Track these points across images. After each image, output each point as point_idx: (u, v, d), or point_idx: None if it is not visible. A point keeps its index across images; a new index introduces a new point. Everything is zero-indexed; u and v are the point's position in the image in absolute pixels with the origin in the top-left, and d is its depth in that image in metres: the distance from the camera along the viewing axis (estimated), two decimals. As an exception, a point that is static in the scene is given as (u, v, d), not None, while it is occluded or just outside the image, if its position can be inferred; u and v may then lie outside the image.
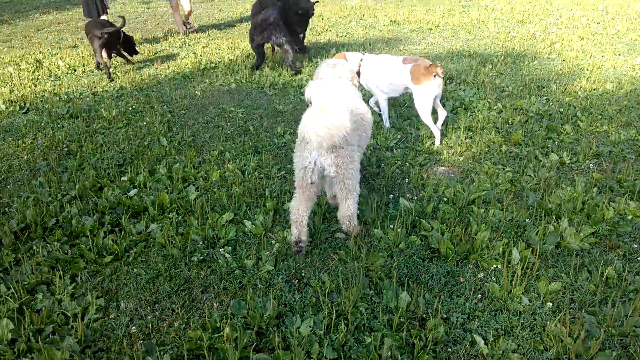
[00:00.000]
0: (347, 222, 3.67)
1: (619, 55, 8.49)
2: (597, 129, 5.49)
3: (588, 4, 13.14)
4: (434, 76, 4.97)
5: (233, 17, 13.32)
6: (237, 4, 15.34)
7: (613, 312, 2.92)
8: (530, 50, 8.92)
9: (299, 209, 3.55)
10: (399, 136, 5.47)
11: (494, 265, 3.34)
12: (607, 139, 5.27)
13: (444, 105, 6.09)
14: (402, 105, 6.37)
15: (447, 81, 7.21)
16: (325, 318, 2.94)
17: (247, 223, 3.90)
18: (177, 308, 3.10)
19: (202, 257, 3.54)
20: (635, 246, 3.55)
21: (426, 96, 5.06)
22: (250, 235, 3.81)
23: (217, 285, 3.28)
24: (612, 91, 6.64)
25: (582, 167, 4.73)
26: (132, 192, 4.38)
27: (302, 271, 3.40)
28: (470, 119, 5.82)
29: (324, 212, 4.05)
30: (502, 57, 8.41)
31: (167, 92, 7.28)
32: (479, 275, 3.28)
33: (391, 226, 3.83)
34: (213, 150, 5.25)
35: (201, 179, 4.66)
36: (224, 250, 3.59)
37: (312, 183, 3.47)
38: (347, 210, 3.62)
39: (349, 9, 13.59)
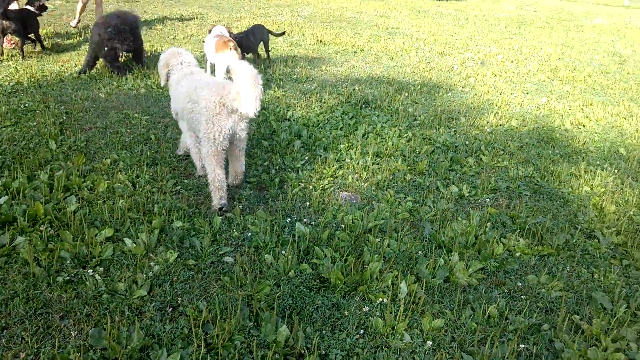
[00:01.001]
0: (241, 177, 4.50)
1: (527, 93, 8.90)
2: (499, 164, 5.64)
3: (505, 43, 13.81)
4: (230, 49, 6.88)
5: (156, 18, 12.85)
6: (163, 7, 14.85)
7: (490, 353, 2.89)
8: (446, 82, 9.17)
9: (219, 175, 4.13)
10: (306, 157, 5.35)
11: (380, 299, 3.25)
12: (507, 174, 5.42)
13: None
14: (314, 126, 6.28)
15: (362, 105, 7.22)
16: (195, 352, 2.71)
17: (128, 241, 3.60)
18: (28, 336, 2.75)
19: (68, 278, 3.20)
20: (520, 284, 3.59)
21: (222, 63, 6.96)
22: (128, 255, 3.51)
23: (80, 311, 2.96)
24: (516, 128, 6.90)
25: (480, 201, 4.80)
26: (2, 200, 3.95)
27: (179, 298, 3.15)
28: (379, 144, 5.81)
29: (215, 233, 3.83)
30: (419, 87, 8.58)
31: (67, 92, 6.78)
32: (364, 309, 3.17)
33: (283, 252, 3.66)
34: (106, 158, 4.88)
35: (86, 189, 4.30)
36: (94, 271, 3.27)
37: (224, 149, 4.14)
38: (242, 166, 4.48)
39: (279, 24, 13.50)
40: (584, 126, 7.27)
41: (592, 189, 5.21)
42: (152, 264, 3.41)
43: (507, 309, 3.31)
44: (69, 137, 5.27)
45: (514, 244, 4.05)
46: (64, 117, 5.81)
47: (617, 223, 4.55)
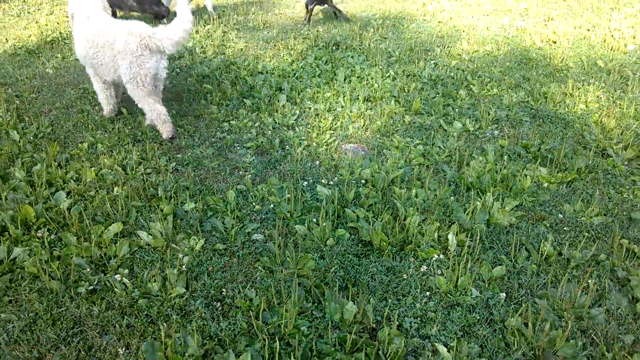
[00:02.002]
0: (164, 119, 4.36)
1: (487, 15, 8.73)
2: (489, 93, 5.49)
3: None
4: None
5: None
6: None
7: (562, 294, 2.79)
8: (406, 12, 8.84)
9: (161, 110, 4.30)
10: (297, 112, 4.99)
11: (434, 255, 3.07)
12: (501, 102, 5.28)
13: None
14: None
15: (333, 48, 6.83)
16: (263, 348, 2.45)
17: (142, 234, 3.22)
18: (70, 362, 2.40)
19: (91, 287, 2.81)
20: (561, 216, 3.49)
21: None
22: (148, 250, 3.13)
23: (119, 323, 2.61)
24: (492, 52, 6.74)
25: (487, 133, 4.65)
26: (-19, 208, 3.43)
27: (223, 289, 2.84)
28: (365, 88, 5.51)
29: (234, 210, 3.49)
30: (381, 21, 8.22)
31: (9, 72, 6.00)
32: (422, 269, 2.98)
33: (314, 220, 3.39)
34: (81, 142, 4.35)
35: (72, 180, 3.81)
36: (119, 275, 2.89)
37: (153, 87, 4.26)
38: (164, 107, 4.37)
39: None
40: (554, 42, 7.20)
41: (587, 106, 5.16)
42: (180, 255, 3.06)
43: (559, 244, 3.21)
44: (30, 124, 4.66)
45: (537, 174, 3.94)
46: (17, 102, 5.13)
47: (621, 137, 4.52)
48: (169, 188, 3.73)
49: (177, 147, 4.37)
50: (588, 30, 7.81)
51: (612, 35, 7.33)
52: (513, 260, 3.07)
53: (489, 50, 6.81)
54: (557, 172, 4.03)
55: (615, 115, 4.91)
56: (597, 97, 5.35)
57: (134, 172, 3.94)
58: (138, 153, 4.18)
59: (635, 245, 3.17)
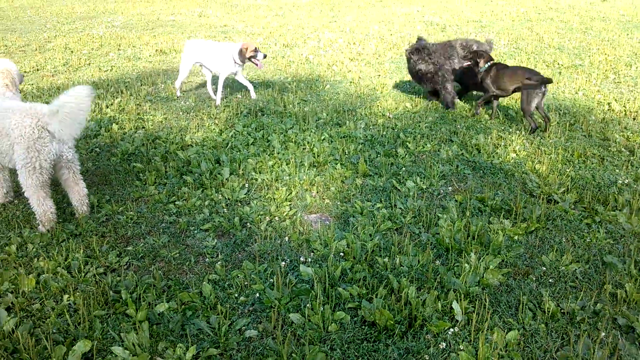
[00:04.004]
0: (86, 201, 4.14)
1: (391, 72, 9.14)
2: (424, 149, 5.62)
3: (335, 27, 14.11)
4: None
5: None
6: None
7: (582, 352, 2.77)
8: (315, 74, 8.99)
9: (50, 207, 3.89)
10: (245, 185, 4.72)
11: (448, 328, 2.93)
12: (439, 157, 5.42)
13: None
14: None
15: (257, 114, 6.69)
16: None
17: (118, 350, 2.73)
18: None
19: None
20: (544, 268, 3.54)
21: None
22: (130, 369, 2.66)
23: None
24: (412, 109, 6.99)
25: (440, 190, 4.71)
26: None
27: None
28: (306, 153, 5.39)
29: (215, 305, 3.11)
30: (294, 84, 8.26)
31: None
32: (441, 346, 2.82)
33: (308, 305, 3.11)
34: (6, 244, 3.71)
35: (9, 293, 3.19)
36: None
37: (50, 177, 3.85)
38: (84, 189, 4.12)
39: (99, 39, 11.97)
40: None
41: (517, 154, 5.46)
42: (171, 371, 2.63)
43: (553, 299, 3.23)
44: None
45: (502, 227, 4.02)
46: None
47: (558, 182, 4.80)
48: (131, 289, 3.26)
49: (124, 238, 3.89)
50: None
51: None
52: (521, 322, 3.02)
53: (408, 106, 7.06)
54: (520, 222, 4.14)
55: (545, 161, 5.23)
56: (523, 145, 5.69)
57: (82, 274, 3.41)
58: (81, 250, 3.65)
59: (619, 290, 3.28)
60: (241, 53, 6.83)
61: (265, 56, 6.93)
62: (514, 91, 6.28)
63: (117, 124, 6.26)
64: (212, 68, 7.19)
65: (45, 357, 2.70)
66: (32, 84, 8.17)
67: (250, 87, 7.42)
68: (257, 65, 6.90)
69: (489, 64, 6.40)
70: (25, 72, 9.08)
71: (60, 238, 3.83)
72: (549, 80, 5.83)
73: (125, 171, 5.01)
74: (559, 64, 9.47)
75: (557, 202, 4.46)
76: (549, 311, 3.07)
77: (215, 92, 7.48)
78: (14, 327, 2.89)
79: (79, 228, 3.99)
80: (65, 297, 3.17)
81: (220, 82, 7.18)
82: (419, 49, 6.75)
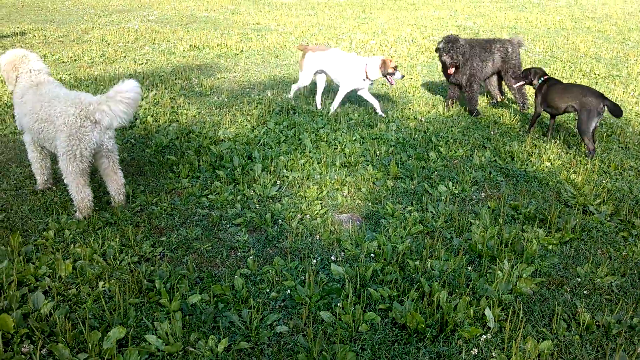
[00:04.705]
0: (123, 191, 4.20)
1: (424, 76, 9.08)
2: (456, 154, 5.58)
3: (367, 28, 14.08)
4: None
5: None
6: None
7: (618, 366, 2.72)
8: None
9: (88, 195, 3.98)
10: (277, 182, 4.75)
11: (480, 335, 2.90)
12: (472, 162, 5.36)
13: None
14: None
15: (288, 112, 6.71)
16: None
17: (152, 338, 2.78)
18: None
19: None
20: (579, 279, 3.49)
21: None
22: (163, 358, 2.69)
23: None
24: (444, 113, 6.94)
25: (473, 196, 4.66)
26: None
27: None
28: (337, 153, 5.40)
29: (247, 299, 3.14)
30: (326, 84, 8.25)
31: None
32: (473, 352, 2.79)
33: (338, 304, 3.12)
34: (44, 229, 3.81)
35: (46, 277, 3.27)
36: (141, 395, 2.44)
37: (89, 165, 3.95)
38: (122, 178, 4.19)
39: (134, 32, 12.17)
40: (499, 101, 7.58)
41: (552, 164, 5.38)
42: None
43: (588, 310, 3.18)
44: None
45: (536, 236, 3.96)
46: (-48, 185, 4.45)
47: (594, 193, 4.71)
48: (165, 279, 3.30)
49: (158, 228, 3.95)
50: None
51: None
52: (555, 332, 2.98)
53: (440, 110, 7.01)
54: (554, 232, 4.07)
55: (581, 171, 5.14)
56: (558, 154, 5.60)
57: (117, 261, 3.47)
58: (116, 238, 3.71)
59: (660, 305, 3.21)
60: (384, 65, 6.31)
61: (403, 77, 6.49)
62: (566, 110, 5.79)
63: (152, 116, 6.36)
64: (338, 79, 6.67)
65: (80, 341, 2.76)
66: (70, 74, 8.35)
67: (377, 104, 6.79)
68: (390, 83, 6.45)
69: (542, 79, 6.05)
70: (63, 62, 9.29)
71: (96, 225, 3.91)
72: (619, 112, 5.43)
73: (159, 163, 5.08)
74: (595, 74, 9.30)
75: (593, 214, 4.38)
76: (584, 323, 3.02)
77: (322, 103, 7.08)
78: (51, 311, 2.95)
79: (115, 217, 4.06)
80: (101, 283, 3.24)
81: (340, 95, 6.73)
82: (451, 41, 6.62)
